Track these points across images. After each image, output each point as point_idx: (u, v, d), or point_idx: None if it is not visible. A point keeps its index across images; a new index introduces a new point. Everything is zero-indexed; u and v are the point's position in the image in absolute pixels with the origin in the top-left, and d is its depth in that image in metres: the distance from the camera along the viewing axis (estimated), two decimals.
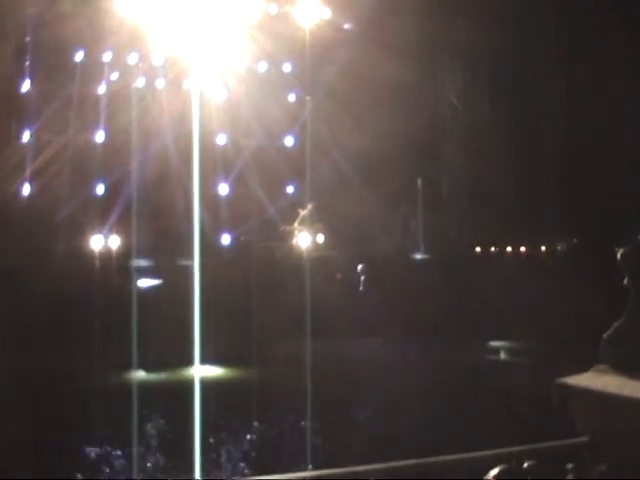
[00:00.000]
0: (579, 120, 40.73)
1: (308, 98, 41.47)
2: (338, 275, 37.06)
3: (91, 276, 33.02)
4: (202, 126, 40.83)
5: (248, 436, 20.20)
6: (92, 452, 18.78)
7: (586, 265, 33.03)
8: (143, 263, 34.57)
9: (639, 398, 4.91)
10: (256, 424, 20.71)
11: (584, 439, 5.22)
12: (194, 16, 36.99)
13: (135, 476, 17.17)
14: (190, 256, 31.58)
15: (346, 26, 41.45)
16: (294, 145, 43.22)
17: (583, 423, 5.30)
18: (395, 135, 37.99)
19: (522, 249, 44.89)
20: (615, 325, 5.39)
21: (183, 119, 41.10)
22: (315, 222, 39.46)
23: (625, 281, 5.36)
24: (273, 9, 41.04)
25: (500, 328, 30.41)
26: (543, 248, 45.40)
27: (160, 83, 41.08)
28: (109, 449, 19.10)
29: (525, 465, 4.92)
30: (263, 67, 42.46)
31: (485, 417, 18.62)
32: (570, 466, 5.06)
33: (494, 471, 4.84)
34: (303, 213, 40.30)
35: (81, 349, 26.00)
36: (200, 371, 24.23)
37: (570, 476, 5.05)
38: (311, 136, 39.38)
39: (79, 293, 29.62)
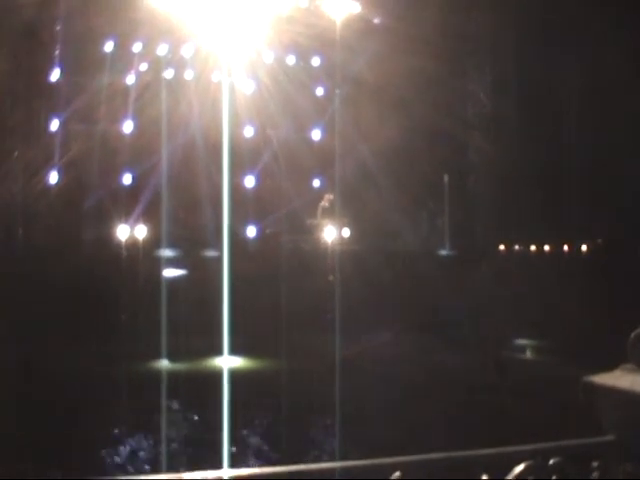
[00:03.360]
0: (605, 117, 40.51)
1: (337, 91, 41.47)
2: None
3: (118, 265, 33.19)
4: (231, 118, 41.04)
5: (273, 427, 20.32)
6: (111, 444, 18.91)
7: (611, 264, 32.90)
8: (169, 253, 34.70)
9: None
10: (281, 415, 20.83)
11: (610, 438, 5.23)
12: (224, 8, 37.06)
13: (161, 466, 17.27)
14: (215, 247, 31.72)
15: (375, 20, 41.39)
16: (321, 138, 43.28)
17: (609, 422, 5.30)
18: (423, 130, 37.97)
19: (546, 248, 44.68)
20: None
21: (212, 111, 41.30)
22: (337, 215, 39.44)
23: None
24: (303, 2, 41.07)
25: (526, 326, 30.33)
26: (566, 247, 45.20)
27: (189, 75, 41.22)
28: (129, 440, 19.24)
29: (550, 462, 4.92)
30: (292, 60, 42.52)
31: (505, 414, 18.63)
32: (595, 464, 5.07)
33: (519, 467, 4.85)
34: (322, 204, 40.32)
35: (104, 338, 26.18)
36: (227, 361, 24.35)
37: (595, 474, 5.05)
38: (338, 130, 39.39)
39: (106, 281, 29.80)
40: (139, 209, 37.64)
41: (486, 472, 4.85)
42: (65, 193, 37.44)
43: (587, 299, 30.22)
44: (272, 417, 21.30)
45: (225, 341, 24.23)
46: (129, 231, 37.28)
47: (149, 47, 39.60)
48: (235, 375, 23.17)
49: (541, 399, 20.34)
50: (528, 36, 42.72)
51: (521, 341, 31.88)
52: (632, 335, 5.37)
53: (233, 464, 16.34)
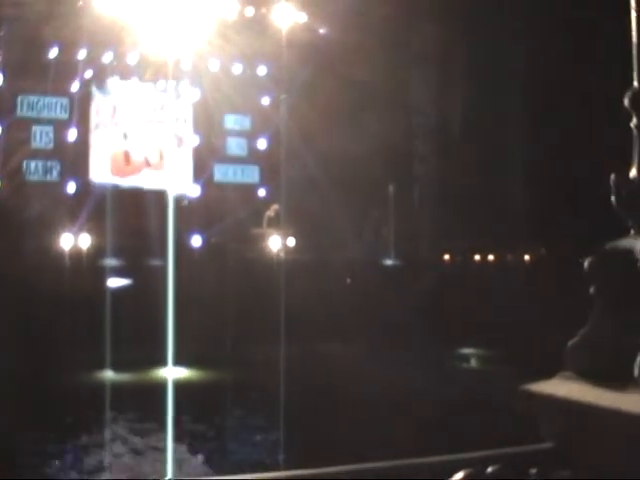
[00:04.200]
0: (554, 127, 40.91)
1: (282, 97, 41.49)
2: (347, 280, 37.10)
3: (60, 275, 32.82)
4: (174, 126, 40.89)
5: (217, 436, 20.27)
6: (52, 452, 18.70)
7: (554, 274, 33.21)
8: (112, 262, 34.40)
9: (602, 405, 4.97)
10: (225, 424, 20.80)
11: (548, 445, 5.28)
12: (170, 16, 36.91)
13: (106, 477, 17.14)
14: (159, 256, 31.50)
15: (322, 30, 41.50)
16: (267, 148, 43.29)
17: (547, 429, 5.35)
18: (369, 139, 38.07)
19: (490, 257, 45.06)
20: (580, 332, 5.45)
21: (157, 118, 41.12)
22: (284, 224, 39.42)
23: (591, 290, 5.42)
24: (249, 11, 41.06)
25: (470, 335, 30.50)
26: (510, 257, 45.59)
27: (134, 82, 40.99)
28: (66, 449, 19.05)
29: (489, 470, 4.95)
30: (238, 69, 42.47)
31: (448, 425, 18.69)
32: (533, 472, 5.11)
33: (457, 475, 4.87)
34: (267, 213, 40.33)
35: (46, 349, 25.88)
36: (171, 372, 24.21)
37: None
38: (284, 139, 39.41)
39: (47, 292, 29.46)
40: (82, 218, 37.26)
41: None
42: (6, 201, 36.94)
43: (531, 308, 30.52)
44: (213, 428, 21.23)
45: (170, 352, 24.05)
46: (72, 240, 36.84)
47: (94, 54, 39.27)
48: (178, 386, 23.01)
49: (481, 407, 20.48)
50: (476, 47, 43.08)
51: (466, 350, 32.07)
52: (569, 343, 5.43)
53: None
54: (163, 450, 18.09)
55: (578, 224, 35.09)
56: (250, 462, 18.53)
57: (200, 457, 19.15)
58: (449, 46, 44.88)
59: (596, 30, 36.09)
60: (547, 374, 5.57)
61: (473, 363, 31.96)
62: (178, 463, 17.54)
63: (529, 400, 5.47)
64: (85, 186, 39.36)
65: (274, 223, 40.23)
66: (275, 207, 40.48)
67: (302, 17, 41.12)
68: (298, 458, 16.33)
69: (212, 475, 17.60)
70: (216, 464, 18.36)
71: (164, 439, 18.25)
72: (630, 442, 4.82)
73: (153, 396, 21.27)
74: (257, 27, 40.88)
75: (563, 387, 5.28)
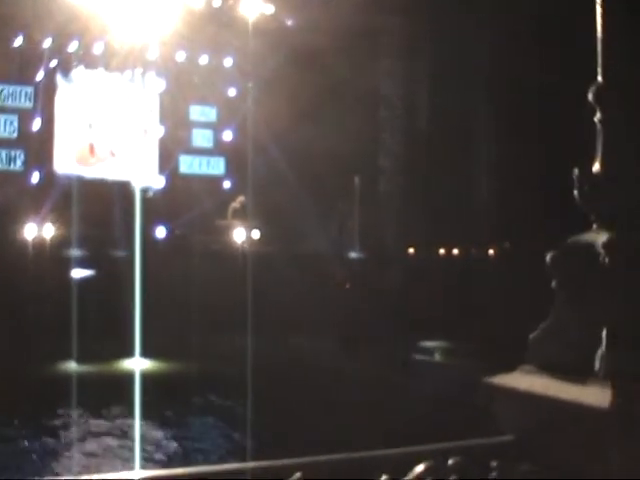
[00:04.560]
0: (518, 121, 41.05)
1: (249, 88, 41.34)
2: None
3: (23, 265, 32.58)
4: (141, 117, 40.69)
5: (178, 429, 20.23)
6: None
7: (517, 268, 33.37)
8: (76, 253, 34.16)
9: (563, 398, 4.99)
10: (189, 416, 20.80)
11: (508, 438, 5.30)
12: (136, 5, 36.71)
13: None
14: (124, 247, 31.35)
15: (289, 22, 41.41)
16: (233, 139, 43.17)
17: (508, 422, 5.37)
18: (336, 132, 38.06)
19: (455, 251, 45.19)
20: (541, 326, 5.47)
21: (123, 109, 40.91)
22: (249, 217, 39.32)
23: (553, 284, 5.44)
24: (216, 2, 40.91)
25: (434, 328, 30.55)
26: (474, 251, 45.74)
27: (100, 72, 40.73)
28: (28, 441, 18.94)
29: (450, 462, 4.97)
30: (204, 60, 42.32)
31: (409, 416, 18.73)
32: (494, 464, 5.13)
33: (419, 467, 4.88)
34: (233, 205, 40.20)
35: (6, 339, 25.67)
36: (138, 364, 24.12)
37: (494, 474, 5.11)
38: (250, 131, 39.30)
39: (9, 281, 29.22)
40: (46, 208, 36.98)
41: (387, 472, 4.87)
42: None
43: (495, 301, 30.65)
44: (179, 419, 21.19)
45: (137, 343, 23.94)
46: (36, 231, 36.54)
47: (59, 43, 38.96)
48: (145, 377, 22.94)
49: (443, 400, 20.55)
50: (444, 39, 43.13)
51: (429, 343, 32.12)
52: (530, 337, 5.46)
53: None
54: (127, 439, 18.06)
55: (544, 219, 35.26)
56: (210, 449, 18.54)
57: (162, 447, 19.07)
58: (417, 40, 44.93)
59: (563, 25, 36.24)
60: (510, 367, 5.59)
61: (437, 356, 32.03)
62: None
63: (490, 392, 5.49)
64: (49, 176, 39.08)
65: (239, 215, 40.13)
66: (241, 199, 40.39)
67: (269, 8, 41.00)
68: (260, 445, 16.33)
69: (176, 467, 17.51)
70: (178, 452, 18.33)
71: (131, 430, 18.23)
72: (590, 435, 4.85)
73: (118, 389, 21.21)
74: (224, 18, 40.73)
75: (524, 380, 5.31)
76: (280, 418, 19.09)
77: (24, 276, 30.69)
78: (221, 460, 16.73)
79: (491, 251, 45.82)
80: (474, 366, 21.21)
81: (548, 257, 5.44)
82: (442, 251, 45.12)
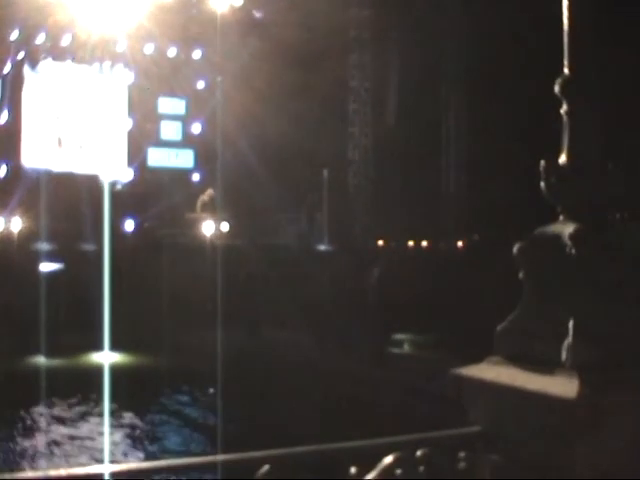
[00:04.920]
0: (488, 112, 41.18)
1: (218, 80, 41.29)
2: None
3: None
4: (108, 110, 40.50)
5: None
6: None
7: (486, 260, 33.52)
8: (45, 246, 34.00)
9: (530, 389, 5.02)
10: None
11: (476, 429, 5.32)
12: None
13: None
14: (92, 241, 31.22)
15: (257, 14, 41.33)
16: (201, 132, 43.09)
17: (475, 413, 5.39)
18: (303, 125, 38.07)
19: (424, 244, 45.31)
20: (509, 318, 5.49)
21: (90, 101, 40.68)
22: (217, 209, 39.24)
23: (520, 275, 5.47)
24: None
25: (404, 321, 30.65)
26: (443, 244, 45.89)
27: (68, 64, 40.51)
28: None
29: (418, 453, 4.98)
30: (173, 52, 42.18)
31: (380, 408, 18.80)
32: (462, 455, 5.14)
33: (387, 459, 4.89)
34: (202, 198, 40.11)
35: None
36: (107, 357, 24.07)
37: (462, 465, 5.13)
38: (219, 123, 39.23)
39: None
40: (14, 201, 36.74)
41: (355, 464, 4.87)
42: None
43: (464, 293, 30.80)
44: (148, 412, 21.20)
45: (105, 337, 23.86)
46: (4, 224, 36.32)
47: (26, 35, 38.68)
48: (113, 371, 22.89)
49: (412, 391, 20.67)
50: (412, 32, 43.19)
51: (399, 335, 32.24)
52: (498, 328, 5.48)
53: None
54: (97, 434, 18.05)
55: (512, 211, 35.43)
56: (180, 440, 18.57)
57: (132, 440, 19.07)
58: (387, 32, 44.99)
59: (532, 16, 36.38)
60: (478, 359, 5.61)
61: (406, 348, 32.16)
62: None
63: (458, 384, 5.51)
64: (16, 169, 38.85)
65: (208, 208, 40.04)
66: (210, 192, 40.31)
67: (238, 0, 40.90)
68: (229, 439, 16.34)
69: (145, 460, 17.52)
70: (147, 446, 18.34)
71: (100, 424, 18.23)
72: (557, 426, 4.88)
73: (86, 382, 21.18)
74: (192, 10, 40.61)
75: (491, 371, 5.33)
76: (251, 410, 19.14)
77: None
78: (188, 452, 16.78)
79: (460, 243, 46.01)
80: (443, 358, 21.34)
81: (515, 248, 5.46)
82: (411, 243, 45.25)
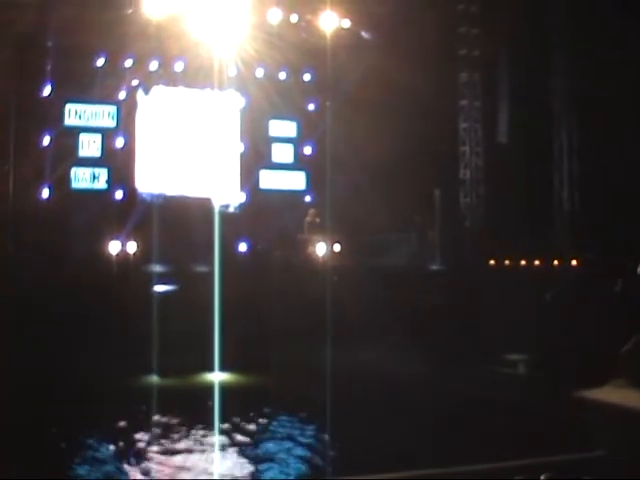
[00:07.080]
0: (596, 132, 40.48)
1: (328, 103, 41.60)
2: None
3: (108, 281, 33.12)
4: (220, 133, 41.16)
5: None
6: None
7: (601, 279, 32.88)
8: (159, 269, 34.61)
9: None
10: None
11: (601, 453, 5.22)
12: (215, 24, 37.17)
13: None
14: (205, 263, 31.66)
15: (365, 35, 41.48)
16: (313, 154, 43.39)
17: (600, 437, 5.29)
18: (413, 144, 38.02)
19: (536, 262, 44.59)
20: (634, 339, 5.38)
21: (202, 126, 41.39)
22: (328, 230, 39.35)
23: None
24: (294, 18, 41.15)
25: (518, 341, 30.22)
26: (556, 262, 45.09)
27: (180, 89, 41.32)
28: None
29: (542, 477, 4.90)
30: (283, 75, 42.65)
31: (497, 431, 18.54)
32: (586, 478, 5.05)
33: None
34: (307, 219, 40.26)
35: (90, 354, 26.09)
36: (216, 377, 24.37)
37: None
38: (330, 145, 39.45)
39: (95, 297, 29.71)
40: (130, 225, 37.51)
41: None
42: (55, 209, 37.31)
43: (579, 314, 30.20)
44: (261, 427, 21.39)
45: (216, 357, 24.21)
46: (120, 247, 37.06)
47: (139, 62, 39.59)
48: (224, 390, 23.24)
49: (531, 415, 20.32)
50: (516, 49, 42.82)
51: (512, 356, 31.77)
52: (622, 351, 5.37)
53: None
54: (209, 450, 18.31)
55: (625, 229, 34.75)
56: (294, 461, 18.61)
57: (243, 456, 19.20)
58: (497, 51, 44.66)
59: None
60: (597, 382, 5.51)
61: (521, 369, 31.66)
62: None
63: (582, 407, 5.42)
64: (132, 193, 39.66)
65: (315, 228, 40.14)
66: (312, 212, 40.42)
67: (346, 22, 41.12)
68: (344, 462, 16.35)
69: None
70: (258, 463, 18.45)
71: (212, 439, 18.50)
72: None
73: (199, 399, 21.55)
74: (302, 33, 41.02)
75: (617, 394, 5.23)
76: (361, 433, 19.09)
77: (109, 291, 31.18)
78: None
79: (574, 262, 45.16)
80: (560, 379, 20.96)
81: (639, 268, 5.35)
82: (523, 262, 44.59)
